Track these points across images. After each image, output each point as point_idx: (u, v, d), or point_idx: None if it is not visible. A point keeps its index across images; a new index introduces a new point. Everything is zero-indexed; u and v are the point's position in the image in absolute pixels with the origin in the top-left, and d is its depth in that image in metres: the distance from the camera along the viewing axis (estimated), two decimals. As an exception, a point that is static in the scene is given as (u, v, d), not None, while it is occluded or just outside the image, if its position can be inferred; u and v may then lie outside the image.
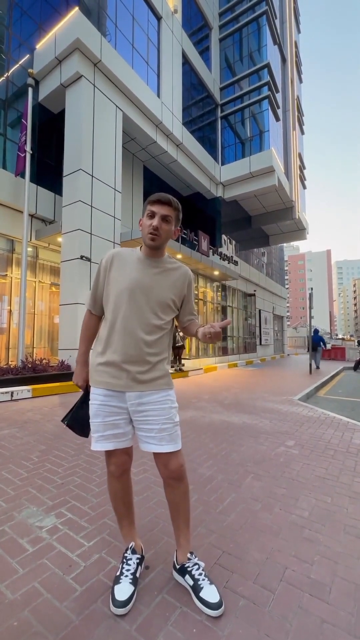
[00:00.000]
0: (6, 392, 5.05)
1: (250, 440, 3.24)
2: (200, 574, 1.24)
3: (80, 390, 1.46)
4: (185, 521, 1.33)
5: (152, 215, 1.28)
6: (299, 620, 1.15)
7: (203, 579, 1.23)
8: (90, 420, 1.33)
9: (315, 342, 12.26)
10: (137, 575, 1.28)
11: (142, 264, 1.32)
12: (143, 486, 2.15)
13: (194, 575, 1.24)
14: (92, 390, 1.32)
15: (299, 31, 22.62)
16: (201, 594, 1.19)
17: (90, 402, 1.33)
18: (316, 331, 12.79)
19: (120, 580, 1.24)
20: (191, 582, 1.24)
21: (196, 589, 1.21)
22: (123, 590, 1.20)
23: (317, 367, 12.45)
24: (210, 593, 1.19)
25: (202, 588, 1.20)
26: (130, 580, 1.24)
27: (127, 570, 1.27)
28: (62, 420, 1.47)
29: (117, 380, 1.26)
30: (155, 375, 1.28)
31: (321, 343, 12.47)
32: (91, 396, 1.32)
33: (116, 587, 1.22)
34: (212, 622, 1.12)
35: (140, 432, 1.29)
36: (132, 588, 1.22)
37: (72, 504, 1.91)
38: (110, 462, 1.33)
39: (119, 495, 1.35)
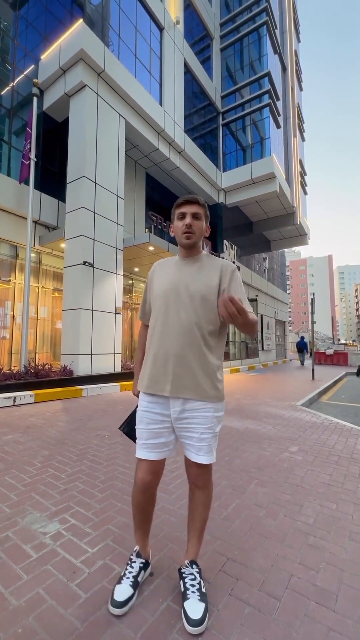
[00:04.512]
0: (9, 397, 5.05)
1: (253, 446, 3.22)
2: (192, 585, 1.22)
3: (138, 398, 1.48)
4: (196, 530, 1.32)
5: (182, 216, 1.31)
6: (305, 628, 1.13)
7: (193, 592, 1.20)
8: (135, 426, 1.34)
9: (301, 346, 17.91)
10: (140, 579, 1.28)
11: (178, 266, 1.35)
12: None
13: (186, 583, 1.24)
14: (140, 395, 1.35)
15: (298, 40, 22.97)
16: (185, 604, 1.17)
17: (137, 407, 1.35)
18: (302, 338, 18.30)
19: (122, 582, 1.25)
20: (182, 589, 1.24)
21: (183, 597, 1.20)
22: (122, 592, 1.21)
23: (302, 364, 17.75)
24: (194, 607, 1.14)
25: (188, 598, 1.18)
26: (131, 583, 1.24)
27: (130, 572, 1.27)
28: (119, 428, 1.50)
29: (157, 384, 1.26)
30: (198, 382, 1.24)
31: (305, 348, 17.88)
32: (139, 401, 1.35)
33: (116, 587, 1.23)
34: (218, 630, 1.11)
35: (182, 439, 1.29)
36: (131, 591, 1.22)
37: (75, 509, 1.90)
38: (137, 470, 1.32)
39: (137, 505, 1.33)
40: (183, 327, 1.24)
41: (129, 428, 1.46)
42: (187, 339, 1.23)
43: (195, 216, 1.29)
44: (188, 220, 1.28)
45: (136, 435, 1.33)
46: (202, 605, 1.16)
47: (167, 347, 1.25)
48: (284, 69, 18.56)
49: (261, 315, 19.92)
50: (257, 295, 19.02)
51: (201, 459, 1.25)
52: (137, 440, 1.32)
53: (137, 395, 1.45)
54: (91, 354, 7.30)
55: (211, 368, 1.26)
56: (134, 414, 1.46)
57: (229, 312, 0.98)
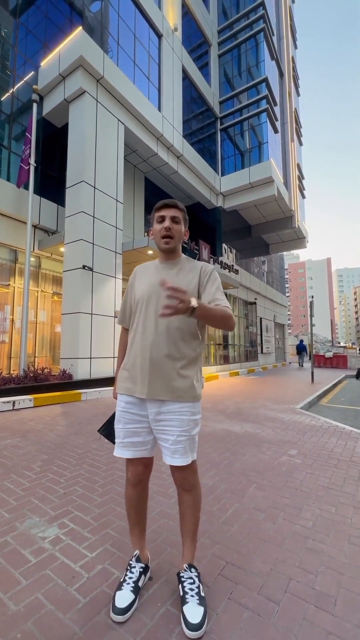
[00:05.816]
0: (8, 402, 5.04)
1: (252, 450, 3.22)
2: (191, 589, 1.21)
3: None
4: (189, 533, 1.32)
5: (161, 220, 1.32)
6: (304, 632, 1.13)
7: (192, 596, 1.19)
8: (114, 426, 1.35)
9: (300, 348, 19.90)
10: (140, 584, 1.27)
11: (158, 270, 1.36)
12: (146, 496, 2.14)
13: (185, 587, 1.23)
14: (118, 396, 1.36)
15: (295, 47, 23.22)
16: (184, 608, 1.16)
17: (116, 407, 1.36)
18: (301, 341, 20.56)
19: (122, 587, 1.24)
20: (181, 593, 1.23)
21: (182, 601, 1.20)
22: (123, 598, 1.20)
23: (301, 365, 19.99)
24: (193, 612, 1.14)
25: (187, 602, 1.18)
26: (132, 588, 1.23)
27: (130, 578, 1.27)
28: (98, 430, 1.51)
29: (135, 386, 1.27)
30: (174, 384, 1.24)
31: (303, 351, 19.77)
32: (117, 402, 1.36)
33: (117, 594, 1.22)
34: (217, 634, 1.11)
35: (159, 441, 1.30)
36: (132, 596, 1.21)
37: (74, 514, 1.90)
38: (127, 468, 1.35)
39: (133, 503, 1.35)
40: (161, 330, 1.25)
41: (107, 431, 1.47)
42: (165, 341, 1.24)
43: (174, 220, 1.31)
44: (167, 223, 1.29)
45: (115, 434, 1.34)
46: (201, 609, 1.16)
47: (144, 350, 1.26)
48: (281, 74, 18.76)
49: (260, 319, 19.95)
50: (256, 299, 19.06)
51: (175, 461, 1.24)
52: (116, 439, 1.33)
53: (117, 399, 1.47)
54: (90, 358, 7.29)
55: (189, 370, 1.27)
56: (113, 416, 1.47)
57: (176, 300, 0.99)
